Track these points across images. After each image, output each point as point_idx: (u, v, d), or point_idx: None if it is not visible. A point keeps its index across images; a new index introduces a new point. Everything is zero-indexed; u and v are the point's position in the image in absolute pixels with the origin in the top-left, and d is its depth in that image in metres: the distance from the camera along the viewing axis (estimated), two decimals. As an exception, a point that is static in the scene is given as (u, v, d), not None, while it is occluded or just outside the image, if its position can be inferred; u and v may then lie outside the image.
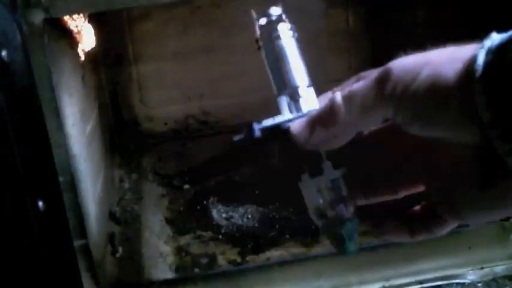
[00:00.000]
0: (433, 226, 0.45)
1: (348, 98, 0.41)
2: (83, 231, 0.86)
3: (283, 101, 0.47)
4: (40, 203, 0.79)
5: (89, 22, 1.10)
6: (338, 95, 0.41)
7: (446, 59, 0.38)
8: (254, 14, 0.50)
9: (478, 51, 0.36)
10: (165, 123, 1.59)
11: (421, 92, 0.37)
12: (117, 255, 1.10)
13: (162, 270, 1.07)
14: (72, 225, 0.83)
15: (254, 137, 0.44)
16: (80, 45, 1.07)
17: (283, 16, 0.51)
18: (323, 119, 0.42)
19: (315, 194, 0.45)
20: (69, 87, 0.94)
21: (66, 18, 0.93)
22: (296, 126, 0.44)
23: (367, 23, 1.60)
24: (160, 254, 1.12)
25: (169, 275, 1.06)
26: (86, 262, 0.88)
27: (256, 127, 0.45)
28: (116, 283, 1.02)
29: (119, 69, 1.52)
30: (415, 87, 0.38)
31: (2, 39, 0.72)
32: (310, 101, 0.47)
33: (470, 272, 1.01)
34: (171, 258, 1.11)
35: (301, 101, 0.47)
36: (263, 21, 0.50)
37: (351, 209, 0.45)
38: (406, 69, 0.39)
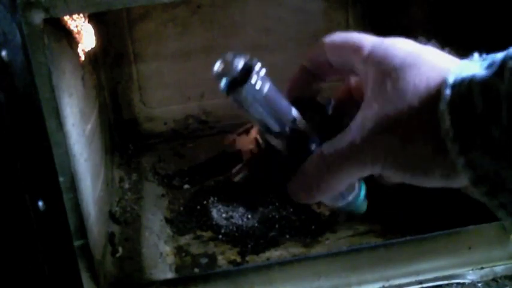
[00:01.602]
0: None
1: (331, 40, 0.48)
2: (83, 231, 0.86)
3: None
4: (40, 203, 0.79)
5: (89, 22, 1.10)
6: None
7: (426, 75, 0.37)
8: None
9: (443, 89, 0.35)
10: (165, 123, 1.59)
11: (399, 88, 0.38)
12: (117, 255, 1.10)
13: (162, 270, 1.07)
14: (72, 225, 0.83)
15: None
16: (80, 45, 1.07)
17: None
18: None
19: None
20: (69, 87, 0.94)
21: (66, 18, 0.93)
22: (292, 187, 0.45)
23: (367, 23, 1.60)
24: (160, 254, 1.12)
25: (169, 275, 1.06)
26: (86, 262, 0.87)
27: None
28: (116, 283, 1.02)
29: (119, 69, 1.52)
30: (393, 78, 0.38)
31: (2, 39, 0.72)
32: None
33: (470, 272, 1.01)
34: (171, 258, 1.11)
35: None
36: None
37: None
38: (396, 57, 0.39)
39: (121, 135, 1.55)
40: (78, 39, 1.05)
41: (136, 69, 1.53)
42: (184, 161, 1.47)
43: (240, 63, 0.41)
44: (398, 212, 1.13)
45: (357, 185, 0.48)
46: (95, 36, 1.15)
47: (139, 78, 1.54)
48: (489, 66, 0.34)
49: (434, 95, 0.36)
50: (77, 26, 1.02)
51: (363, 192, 0.49)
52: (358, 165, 0.40)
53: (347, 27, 1.59)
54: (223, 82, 0.41)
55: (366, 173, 0.41)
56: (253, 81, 0.41)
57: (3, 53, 0.72)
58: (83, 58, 1.11)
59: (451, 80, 0.35)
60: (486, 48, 0.38)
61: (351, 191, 0.47)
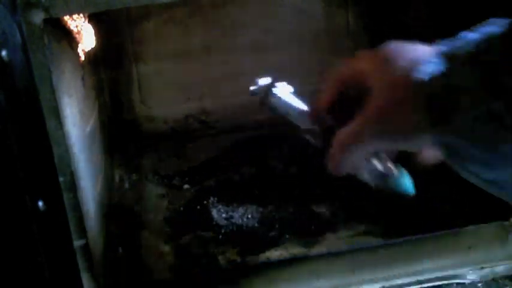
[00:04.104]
0: None
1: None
2: (83, 231, 0.86)
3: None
4: (40, 203, 0.79)
5: (89, 22, 1.10)
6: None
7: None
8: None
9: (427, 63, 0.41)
10: (165, 123, 1.59)
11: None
12: (117, 255, 1.10)
13: (162, 270, 1.07)
14: (72, 225, 0.83)
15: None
16: (80, 45, 1.07)
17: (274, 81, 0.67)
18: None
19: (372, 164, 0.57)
20: (69, 87, 0.94)
21: (66, 18, 0.93)
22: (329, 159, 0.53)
23: (367, 23, 1.60)
24: (160, 254, 1.12)
25: (169, 275, 1.06)
26: (86, 262, 0.87)
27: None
28: (116, 283, 1.02)
29: (119, 69, 1.52)
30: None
31: (2, 39, 0.72)
32: None
33: (470, 272, 1.01)
34: (171, 258, 1.11)
35: None
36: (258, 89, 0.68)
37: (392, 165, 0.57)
38: None
39: (121, 135, 1.55)
40: (78, 39, 1.05)
41: (136, 69, 1.53)
42: (184, 161, 1.47)
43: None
44: (398, 212, 1.13)
45: (389, 165, 0.57)
46: (95, 36, 1.15)
47: (139, 78, 1.54)
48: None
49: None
50: (77, 26, 1.02)
51: (401, 174, 0.56)
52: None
53: (347, 27, 1.59)
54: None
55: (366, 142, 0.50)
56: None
57: (3, 53, 0.72)
58: (83, 58, 1.11)
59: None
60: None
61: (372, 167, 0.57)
